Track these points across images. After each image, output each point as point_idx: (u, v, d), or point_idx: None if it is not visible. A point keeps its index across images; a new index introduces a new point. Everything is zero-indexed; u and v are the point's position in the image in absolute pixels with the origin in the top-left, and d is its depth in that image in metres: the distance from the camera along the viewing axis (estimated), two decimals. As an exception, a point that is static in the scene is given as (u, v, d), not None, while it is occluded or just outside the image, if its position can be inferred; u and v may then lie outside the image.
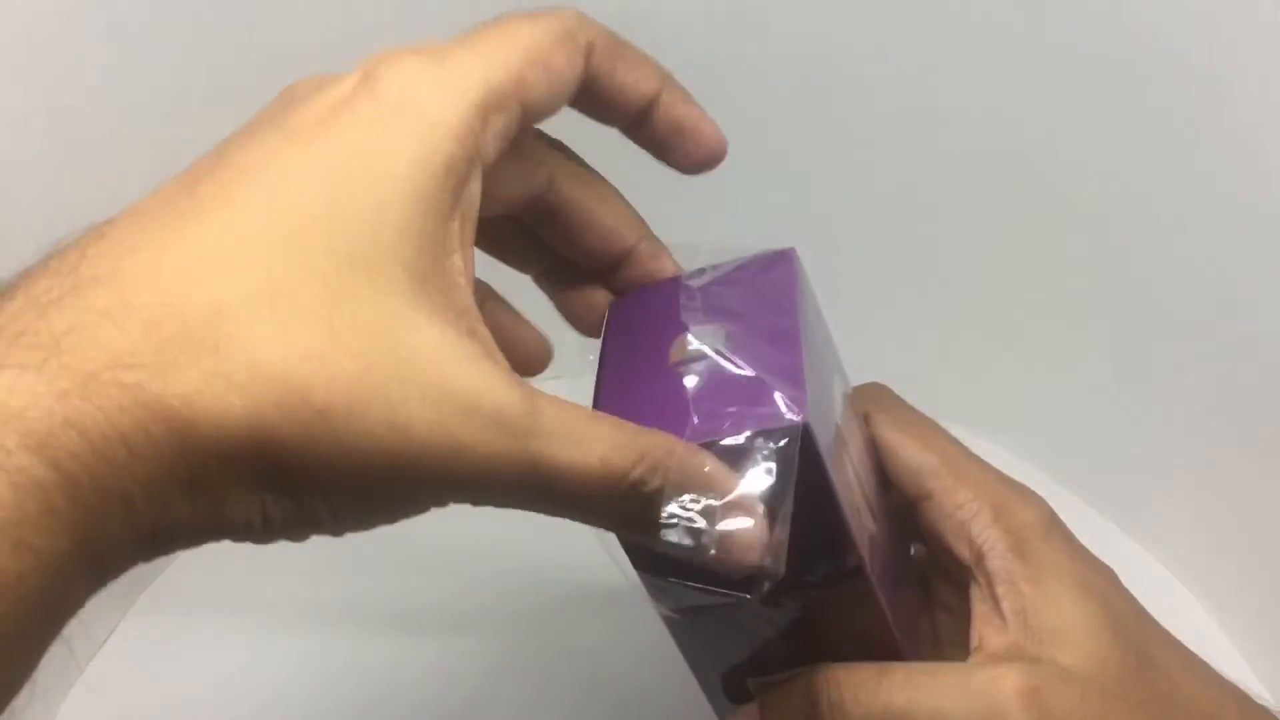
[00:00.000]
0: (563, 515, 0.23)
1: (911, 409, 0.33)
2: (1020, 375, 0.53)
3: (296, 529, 0.21)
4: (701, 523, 0.22)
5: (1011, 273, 0.51)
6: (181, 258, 0.20)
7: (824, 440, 0.25)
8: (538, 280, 0.31)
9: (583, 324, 0.30)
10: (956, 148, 0.50)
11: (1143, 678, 0.27)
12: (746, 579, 0.24)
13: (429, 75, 0.22)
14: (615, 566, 0.26)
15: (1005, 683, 0.26)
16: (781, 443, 0.23)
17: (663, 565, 0.26)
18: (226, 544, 0.61)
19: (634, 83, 0.26)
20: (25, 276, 0.20)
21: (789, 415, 0.23)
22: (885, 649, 0.29)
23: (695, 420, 0.24)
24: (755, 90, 0.49)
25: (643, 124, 0.27)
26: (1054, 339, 0.52)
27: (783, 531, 0.22)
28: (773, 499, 0.23)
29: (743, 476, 0.23)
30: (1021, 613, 0.28)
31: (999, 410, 0.53)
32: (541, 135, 0.28)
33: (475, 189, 0.23)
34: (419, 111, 0.22)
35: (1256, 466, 0.46)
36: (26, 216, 0.36)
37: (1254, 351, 0.45)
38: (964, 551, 0.30)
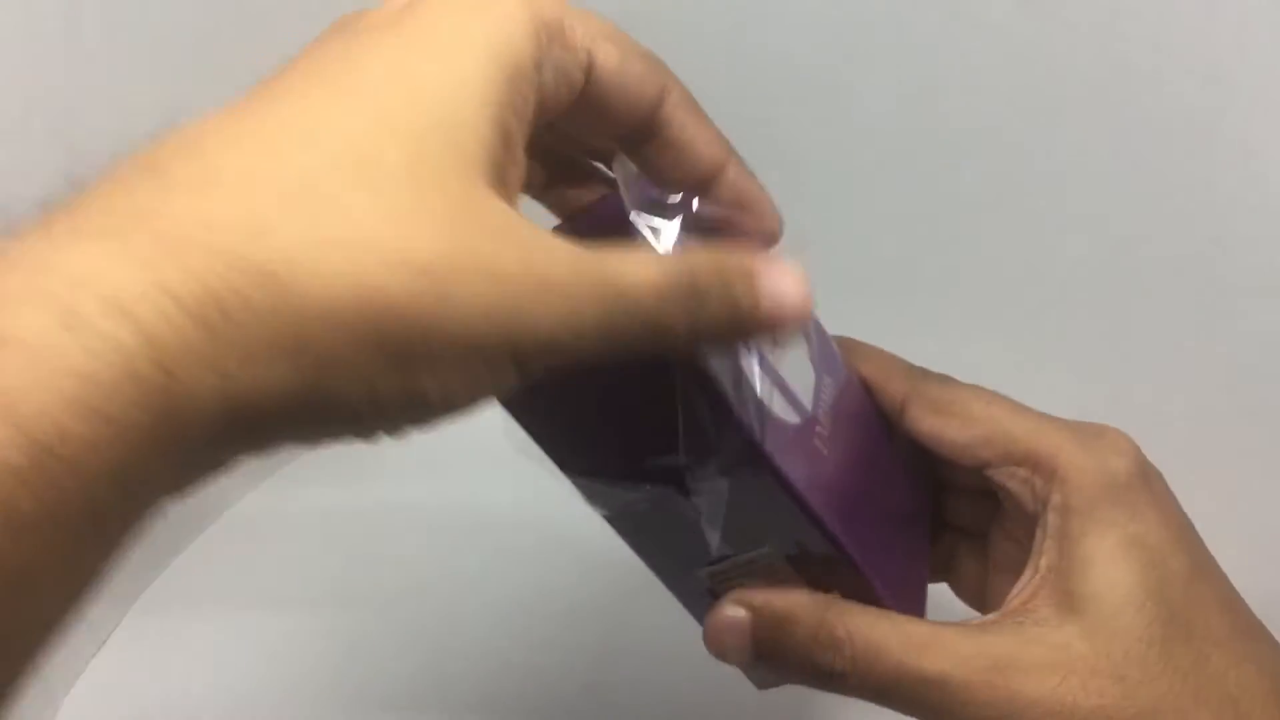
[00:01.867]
0: (635, 343, 0.22)
1: (946, 384, 0.32)
2: (1018, 376, 0.53)
3: (403, 414, 0.20)
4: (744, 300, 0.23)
5: (1010, 274, 0.51)
6: (264, 133, 0.20)
7: None
8: None
9: None
10: (955, 147, 0.50)
11: (1166, 649, 0.26)
12: (661, 471, 0.26)
13: None
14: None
15: (978, 662, 0.26)
16: None
17: (587, 467, 0.28)
18: (226, 541, 0.61)
19: (705, 143, 0.26)
20: (104, 171, 0.19)
21: None
22: (816, 532, 0.28)
23: None
24: (755, 94, 0.49)
25: (706, 189, 0.27)
26: (1053, 340, 0.52)
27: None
28: None
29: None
30: (1047, 573, 0.28)
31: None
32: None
33: (531, 98, 0.23)
34: (492, 3, 0.22)
35: (1260, 466, 0.46)
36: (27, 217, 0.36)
37: (1256, 351, 0.45)
38: (1030, 509, 0.30)
